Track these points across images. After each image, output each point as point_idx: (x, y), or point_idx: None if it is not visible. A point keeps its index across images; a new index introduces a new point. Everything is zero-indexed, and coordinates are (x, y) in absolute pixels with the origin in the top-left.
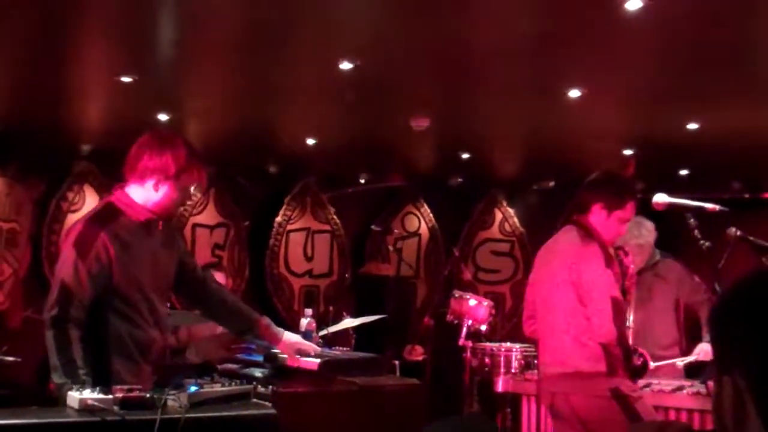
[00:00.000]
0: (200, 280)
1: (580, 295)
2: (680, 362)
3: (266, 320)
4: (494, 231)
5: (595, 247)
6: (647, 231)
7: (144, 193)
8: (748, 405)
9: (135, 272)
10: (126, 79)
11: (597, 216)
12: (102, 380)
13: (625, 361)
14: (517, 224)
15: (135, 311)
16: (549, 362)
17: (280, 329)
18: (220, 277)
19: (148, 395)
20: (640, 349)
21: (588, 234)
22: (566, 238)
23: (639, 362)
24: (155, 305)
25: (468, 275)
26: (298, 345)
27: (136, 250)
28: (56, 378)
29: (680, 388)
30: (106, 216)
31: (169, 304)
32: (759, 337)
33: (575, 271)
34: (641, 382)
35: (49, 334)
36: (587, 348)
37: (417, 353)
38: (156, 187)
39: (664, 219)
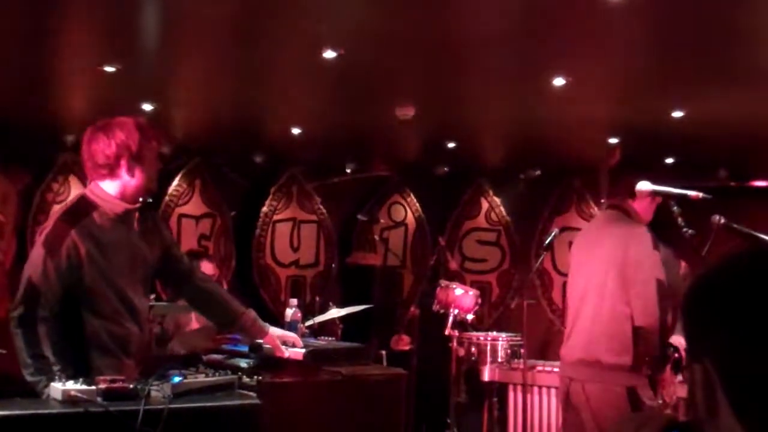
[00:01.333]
0: (186, 271)
1: (626, 277)
2: None
3: (252, 314)
4: (481, 220)
5: (643, 228)
6: None
7: (119, 184)
8: (719, 393)
9: (109, 269)
10: (109, 69)
11: (641, 200)
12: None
13: (661, 348)
14: (504, 213)
15: (110, 307)
16: (573, 348)
17: (266, 324)
18: (208, 266)
19: (131, 386)
20: (675, 342)
21: (633, 217)
22: (612, 222)
23: (675, 356)
24: (132, 299)
25: (454, 265)
26: (284, 337)
27: (110, 245)
28: (29, 376)
29: None
30: (79, 212)
31: (154, 296)
32: (728, 324)
33: (624, 251)
34: None
35: (17, 333)
36: (615, 339)
37: (404, 343)
38: (130, 172)
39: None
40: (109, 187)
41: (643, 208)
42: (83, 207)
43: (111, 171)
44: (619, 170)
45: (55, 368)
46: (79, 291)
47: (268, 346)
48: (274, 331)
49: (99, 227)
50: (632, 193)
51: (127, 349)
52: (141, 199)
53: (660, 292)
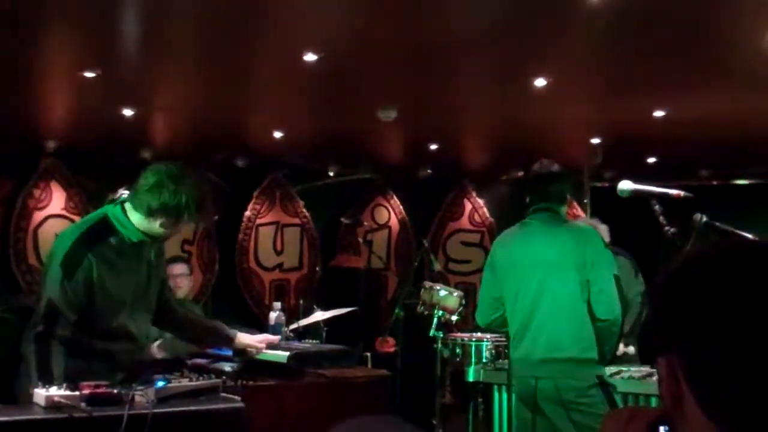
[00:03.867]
0: (172, 309)
1: (585, 275)
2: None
3: (220, 324)
4: (464, 222)
5: (592, 228)
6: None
7: (141, 217)
8: (683, 386)
9: (118, 293)
10: (90, 74)
11: (565, 207)
12: None
13: (619, 342)
14: (487, 215)
15: (113, 329)
16: (535, 348)
17: (233, 331)
18: (182, 268)
19: (115, 391)
20: None
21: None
22: (555, 223)
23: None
24: (136, 322)
25: (438, 266)
26: (254, 340)
27: (122, 270)
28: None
29: (650, 375)
30: (98, 234)
31: None
32: (690, 318)
33: (581, 250)
34: (612, 369)
35: (31, 348)
36: (582, 335)
37: (389, 345)
38: (154, 219)
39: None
40: (132, 214)
41: (568, 214)
42: (103, 230)
43: (141, 206)
44: (552, 178)
45: (56, 383)
46: (88, 313)
47: (252, 349)
48: (242, 336)
49: (114, 251)
50: (563, 199)
51: (118, 371)
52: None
53: (618, 287)
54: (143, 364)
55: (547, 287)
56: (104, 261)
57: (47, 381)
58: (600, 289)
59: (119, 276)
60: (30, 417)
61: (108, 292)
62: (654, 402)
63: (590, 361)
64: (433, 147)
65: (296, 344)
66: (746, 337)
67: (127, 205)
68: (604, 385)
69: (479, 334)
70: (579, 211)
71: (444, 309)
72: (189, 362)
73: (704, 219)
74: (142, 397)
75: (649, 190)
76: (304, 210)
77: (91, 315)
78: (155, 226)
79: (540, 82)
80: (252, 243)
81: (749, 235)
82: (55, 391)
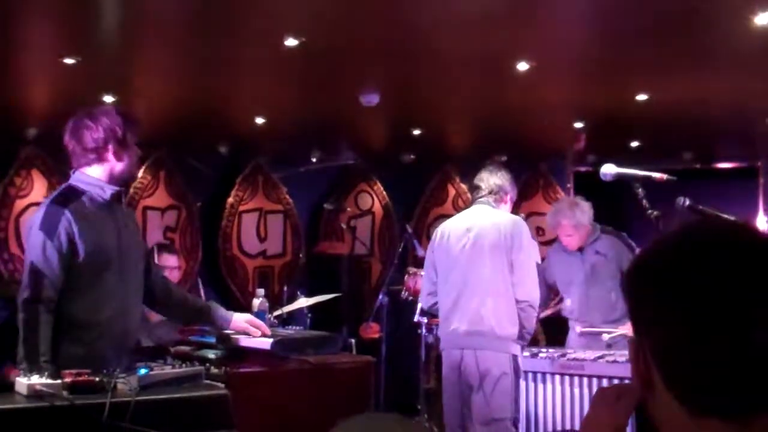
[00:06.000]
0: (164, 286)
1: (511, 262)
2: (606, 335)
3: (214, 304)
4: (448, 207)
5: (522, 220)
6: (581, 212)
7: (106, 168)
8: (652, 369)
9: (100, 248)
10: (69, 61)
11: (506, 206)
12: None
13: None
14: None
15: (100, 289)
16: (462, 321)
17: (230, 312)
18: (172, 259)
19: (97, 379)
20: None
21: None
22: (490, 213)
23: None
24: (124, 280)
25: (422, 252)
26: (251, 321)
27: (100, 224)
28: (20, 365)
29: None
30: (69, 196)
31: None
32: (656, 301)
33: (510, 238)
34: (597, 353)
35: (20, 318)
36: (505, 313)
37: (373, 331)
38: (117, 156)
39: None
40: (96, 171)
41: (506, 210)
42: (72, 192)
43: (99, 156)
44: (494, 177)
45: (42, 358)
46: (73, 272)
47: (236, 336)
48: (239, 317)
49: (89, 209)
50: (500, 197)
51: (102, 336)
52: (125, 185)
53: (539, 274)
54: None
55: (476, 269)
56: (81, 215)
57: (33, 356)
58: (522, 274)
59: (98, 230)
60: (11, 406)
61: (91, 245)
62: None
63: (509, 337)
64: (416, 132)
65: (280, 331)
66: (705, 319)
67: (86, 168)
68: (515, 361)
69: None
70: (561, 194)
71: None
72: (172, 349)
73: (687, 202)
74: (125, 384)
75: (632, 173)
76: (287, 196)
77: (78, 276)
78: (114, 162)
79: (522, 66)
80: (235, 230)
81: (730, 218)
82: (37, 380)
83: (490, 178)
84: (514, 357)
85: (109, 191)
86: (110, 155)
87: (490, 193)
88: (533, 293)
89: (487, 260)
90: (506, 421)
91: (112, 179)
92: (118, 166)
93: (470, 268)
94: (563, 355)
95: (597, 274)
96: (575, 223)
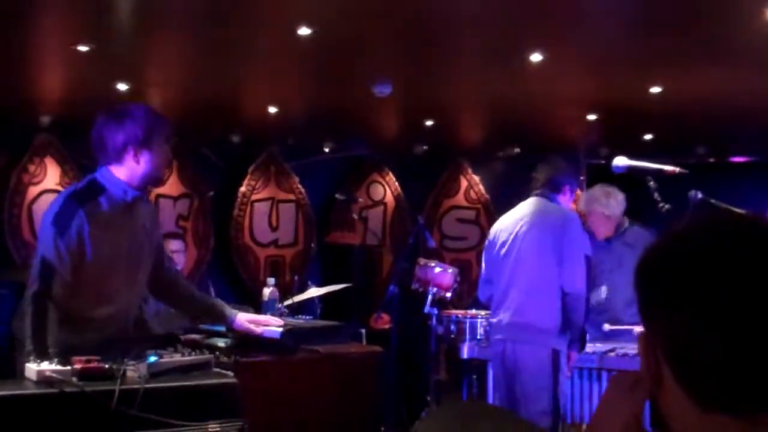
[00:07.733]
0: (173, 280)
1: (560, 254)
2: (638, 329)
3: (220, 303)
4: (460, 198)
5: (575, 214)
6: (616, 202)
7: (127, 171)
8: (663, 364)
9: (110, 250)
10: (83, 49)
11: (565, 196)
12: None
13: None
14: (483, 192)
15: (102, 290)
16: (510, 314)
17: (234, 311)
18: (177, 244)
19: (107, 366)
20: None
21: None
22: (543, 206)
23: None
24: (132, 287)
25: (433, 243)
26: (253, 320)
27: (113, 227)
28: (27, 357)
29: None
30: (88, 193)
31: None
32: (666, 295)
33: (561, 231)
34: (607, 346)
35: (28, 311)
36: (546, 306)
37: (383, 321)
38: (136, 159)
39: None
40: (119, 172)
41: (564, 201)
42: (92, 189)
43: (119, 158)
44: (550, 168)
45: (51, 351)
46: (79, 271)
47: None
48: (243, 316)
49: (105, 211)
50: (556, 188)
51: (101, 332)
52: (148, 188)
53: (588, 268)
54: (137, 339)
55: (524, 261)
56: (95, 217)
57: (41, 348)
58: (569, 266)
59: (111, 233)
60: (21, 392)
61: (100, 247)
62: None
63: (550, 330)
64: (429, 123)
65: (290, 320)
66: (717, 315)
67: (112, 167)
68: (556, 357)
69: (473, 311)
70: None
71: (438, 286)
72: (182, 337)
73: (699, 196)
74: (134, 372)
75: (644, 166)
76: (300, 186)
77: (86, 273)
78: (135, 165)
79: (536, 58)
80: (247, 219)
81: (743, 212)
82: (47, 366)
83: (546, 170)
84: (555, 351)
85: (130, 194)
86: (130, 158)
87: (545, 184)
88: (581, 285)
89: (535, 253)
90: (544, 415)
91: (135, 181)
92: (140, 169)
93: (519, 261)
94: (612, 351)
95: (622, 266)
96: (608, 213)
